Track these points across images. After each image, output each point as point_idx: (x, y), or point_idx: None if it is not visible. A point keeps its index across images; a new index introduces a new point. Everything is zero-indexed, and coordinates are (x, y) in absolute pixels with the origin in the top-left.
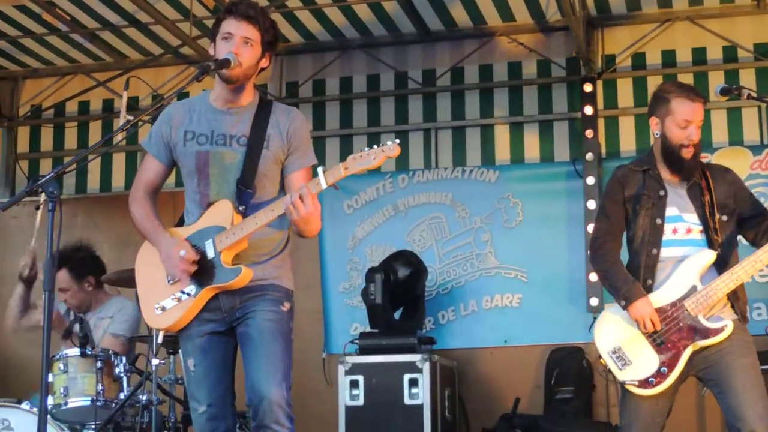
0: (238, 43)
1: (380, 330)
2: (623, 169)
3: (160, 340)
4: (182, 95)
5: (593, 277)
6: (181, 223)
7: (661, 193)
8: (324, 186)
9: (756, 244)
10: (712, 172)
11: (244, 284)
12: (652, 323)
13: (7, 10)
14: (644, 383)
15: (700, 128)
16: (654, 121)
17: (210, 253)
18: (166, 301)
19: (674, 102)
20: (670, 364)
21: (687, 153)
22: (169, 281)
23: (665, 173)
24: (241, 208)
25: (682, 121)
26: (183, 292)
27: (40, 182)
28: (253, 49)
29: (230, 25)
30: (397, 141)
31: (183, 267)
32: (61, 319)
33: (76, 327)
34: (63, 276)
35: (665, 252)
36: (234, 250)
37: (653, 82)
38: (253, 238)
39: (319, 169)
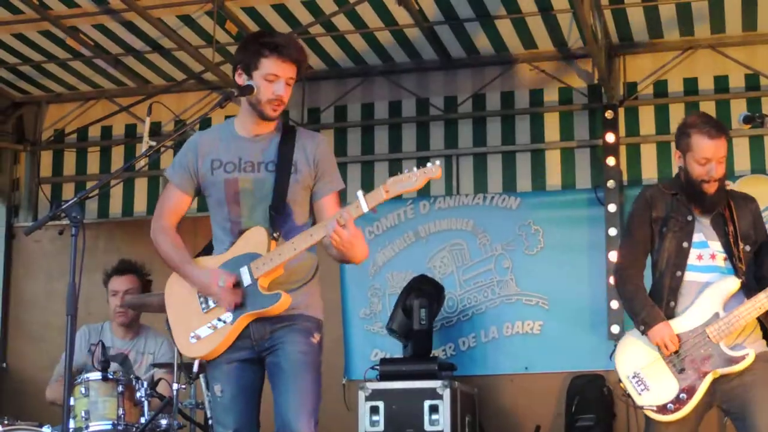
0: (286, 85)
1: (418, 356)
2: (652, 189)
3: (195, 368)
4: (205, 121)
5: (614, 304)
6: (208, 251)
7: (689, 218)
8: (365, 210)
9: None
10: (736, 201)
11: (283, 310)
12: (670, 346)
13: (31, 35)
14: (662, 409)
15: (723, 163)
16: (677, 155)
17: (246, 280)
18: (201, 329)
19: (694, 138)
20: (690, 391)
21: (709, 188)
22: (203, 309)
23: (691, 203)
24: (275, 235)
25: (701, 159)
26: (219, 320)
27: (63, 207)
28: (291, 87)
29: (276, 67)
30: (438, 162)
31: (231, 298)
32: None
33: (98, 351)
34: (132, 280)
35: (689, 276)
36: (271, 276)
37: (675, 110)
38: (287, 264)
39: (359, 193)
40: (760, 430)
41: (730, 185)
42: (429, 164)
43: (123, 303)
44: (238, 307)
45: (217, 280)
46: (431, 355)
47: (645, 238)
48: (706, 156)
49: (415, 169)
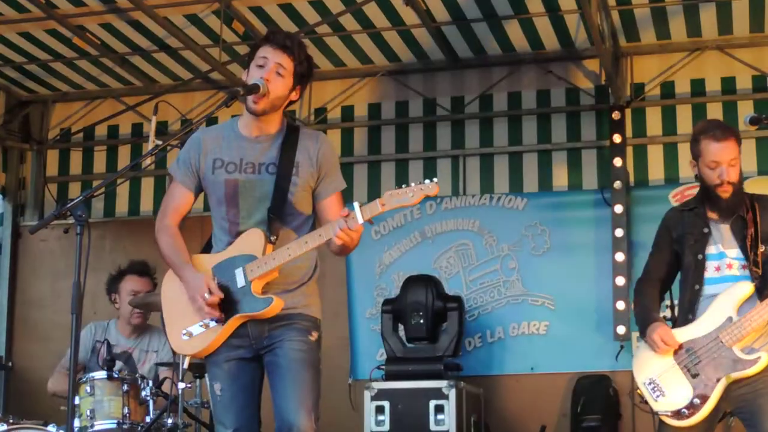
0: (271, 69)
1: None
2: (670, 212)
3: (185, 365)
4: (211, 120)
5: (621, 305)
6: (208, 248)
7: (705, 230)
8: (360, 221)
9: None
10: (762, 203)
11: (274, 314)
12: (669, 341)
13: (37, 34)
14: (677, 414)
15: (735, 166)
16: (692, 164)
17: (240, 282)
18: (193, 327)
19: (702, 143)
20: (704, 396)
21: (723, 192)
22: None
23: (709, 211)
24: (272, 238)
25: (710, 162)
26: (212, 319)
27: (68, 206)
28: (284, 79)
29: (266, 52)
30: (435, 180)
31: (208, 311)
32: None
33: (103, 350)
34: (149, 283)
35: (708, 290)
36: (265, 280)
37: (682, 111)
38: (284, 265)
39: (355, 204)
40: None
41: None
42: (427, 181)
43: (130, 303)
44: (231, 308)
45: (204, 291)
46: (438, 355)
47: (662, 260)
48: (714, 159)
49: (412, 184)
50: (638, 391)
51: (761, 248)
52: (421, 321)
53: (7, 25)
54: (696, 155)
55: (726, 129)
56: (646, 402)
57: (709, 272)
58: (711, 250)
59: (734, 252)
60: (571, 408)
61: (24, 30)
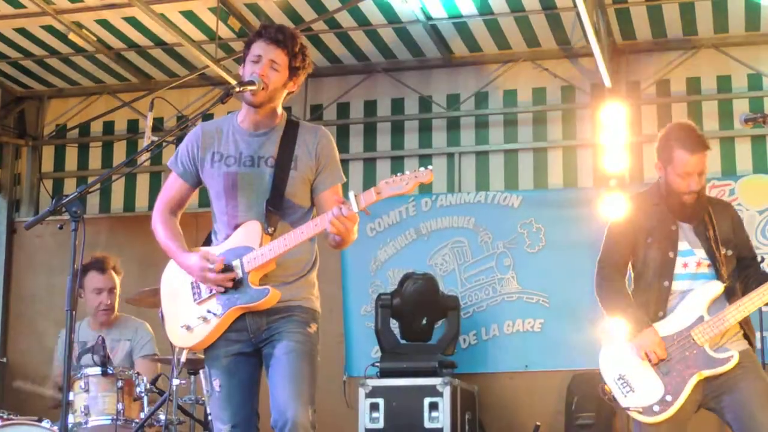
0: (265, 65)
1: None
2: (636, 199)
3: (183, 358)
4: (207, 116)
5: None
6: (208, 242)
7: (673, 227)
8: (355, 210)
9: (743, 290)
10: (714, 206)
11: (271, 305)
12: (659, 353)
13: (33, 29)
14: (648, 410)
15: (702, 175)
16: (657, 165)
17: (238, 273)
18: (191, 320)
19: (675, 153)
20: (675, 393)
21: (688, 199)
22: (195, 300)
23: (671, 211)
24: (269, 230)
25: (682, 173)
26: (209, 312)
27: (63, 202)
28: (279, 73)
29: (259, 48)
30: (430, 167)
31: (221, 278)
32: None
33: (98, 346)
34: (108, 278)
35: (676, 285)
36: (262, 271)
37: (677, 110)
38: (281, 258)
39: (351, 193)
40: (753, 415)
41: (732, 185)
42: (421, 168)
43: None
44: (228, 300)
45: (206, 264)
46: (432, 352)
47: (628, 246)
48: (687, 170)
49: (407, 172)
50: (606, 387)
51: (722, 251)
52: (424, 321)
53: (3, 20)
54: (665, 160)
55: (700, 141)
56: (614, 398)
57: (677, 268)
58: (680, 246)
59: (701, 251)
60: (565, 406)
61: (20, 26)
